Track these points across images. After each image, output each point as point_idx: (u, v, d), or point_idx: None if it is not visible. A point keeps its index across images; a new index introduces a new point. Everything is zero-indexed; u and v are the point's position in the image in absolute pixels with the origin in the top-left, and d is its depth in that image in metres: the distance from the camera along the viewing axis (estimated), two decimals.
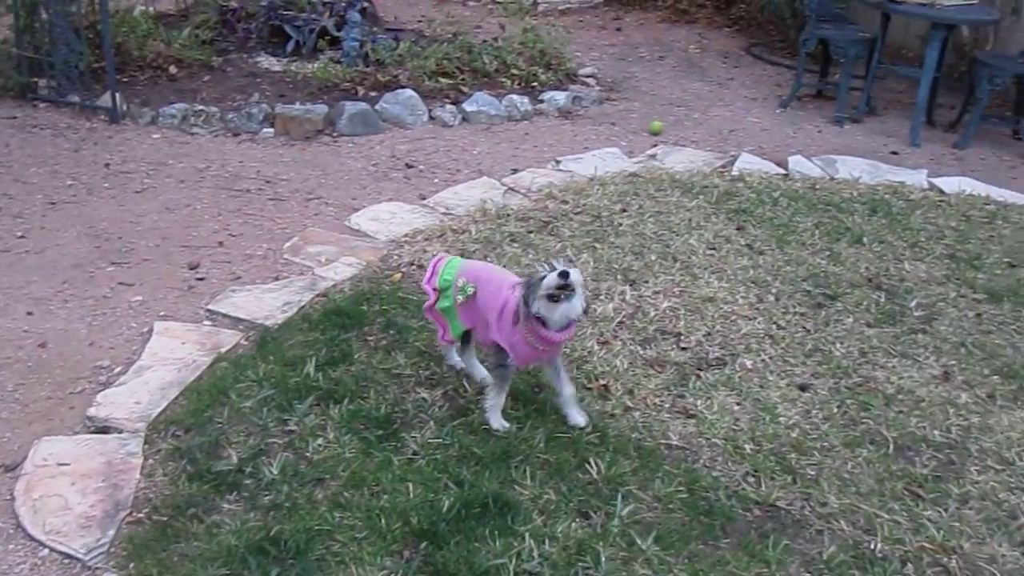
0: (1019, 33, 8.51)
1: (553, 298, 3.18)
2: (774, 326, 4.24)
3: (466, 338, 3.62)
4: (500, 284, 3.42)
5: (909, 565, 2.96)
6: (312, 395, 3.52)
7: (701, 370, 3.87)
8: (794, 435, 3.50)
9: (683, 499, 3.14)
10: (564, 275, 3.14)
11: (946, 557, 3.00)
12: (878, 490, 3.27)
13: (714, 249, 4.93)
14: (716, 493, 3.18)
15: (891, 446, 3.50)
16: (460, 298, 3.47)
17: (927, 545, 3.03)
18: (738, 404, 3.67)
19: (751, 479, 3.27)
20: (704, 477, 3.25)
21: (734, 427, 3.53)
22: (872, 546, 3.02)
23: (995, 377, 4.01)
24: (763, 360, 3.96)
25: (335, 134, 6.47)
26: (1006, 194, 6.19)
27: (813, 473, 3.32)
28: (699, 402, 3.65)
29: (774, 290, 4.55)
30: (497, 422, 3.43)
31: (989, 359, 4.13)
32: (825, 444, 3.46)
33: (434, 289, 3.54)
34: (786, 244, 5.05)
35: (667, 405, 3.63)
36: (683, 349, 4.00)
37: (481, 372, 3.67)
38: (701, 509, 3.11)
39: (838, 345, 4.13)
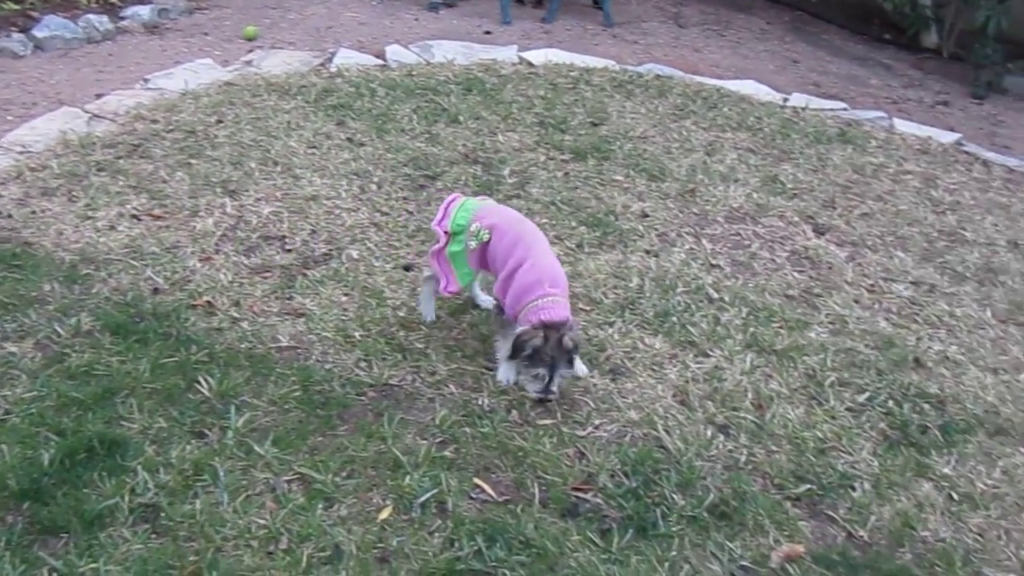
0: None
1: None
2: (378, 214, 4.32)
3: None
4: (515, 240, 3.29)
5: (514, 411, 3.20)
6: None
7: (308, 268, 3.87)
8: (401, 314, 3.62)
9: (298, 397, 3.17)
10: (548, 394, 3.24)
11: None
12: (481, 351, 3.47)
13: (315, 148, 4.89)
14: (330, 384, 3.24)
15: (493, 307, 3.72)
16: (473, 243, 3.31)
17: None
18: (346, 295, 3.72)
19: (363, 364, 3.36)
20: (317, 371, 3.30)
21: (343, 317, 3.59)
22: (480, 402, 3.23)
23: (582, 228, 4.36)
24: (369, 248, 4.04)
25: None
26: (588, 60, 6.63)
27: (422, 346, 3.47)
28: (307, 300, 3.66)
29: (376, 179, 4.62)
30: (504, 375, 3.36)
31: (576, 212, 4.48)
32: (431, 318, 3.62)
33: (445, 232, 3.34)
34: (386, 133, 5.12)
35: (275, 309, 3.62)
36: (288, 251, 3.99)
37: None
38: (316, 403, 3.16)
39: None
